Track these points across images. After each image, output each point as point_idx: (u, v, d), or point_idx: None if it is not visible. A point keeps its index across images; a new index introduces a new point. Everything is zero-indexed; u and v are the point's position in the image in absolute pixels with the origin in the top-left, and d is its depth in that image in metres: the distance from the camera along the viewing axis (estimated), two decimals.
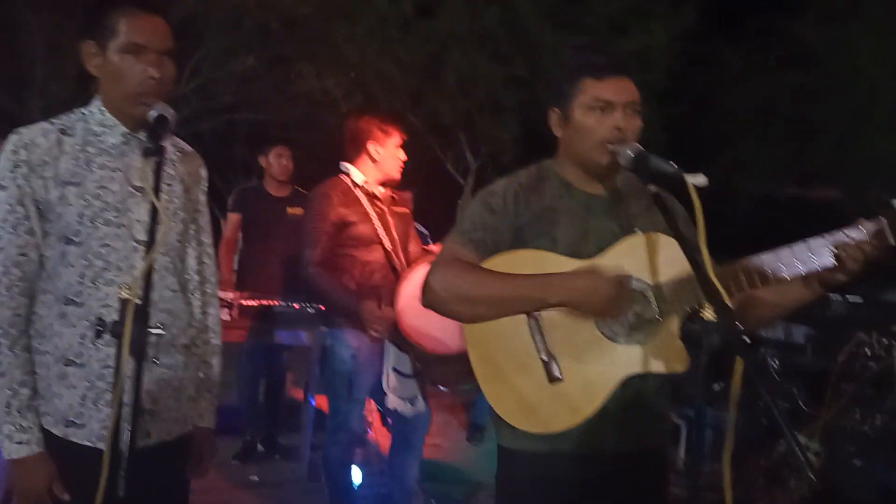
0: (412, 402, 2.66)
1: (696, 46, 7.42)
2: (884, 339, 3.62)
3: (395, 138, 2.79)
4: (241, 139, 7.61)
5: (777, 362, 3.83)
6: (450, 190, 8.62)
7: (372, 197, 2.77)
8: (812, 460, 1.21)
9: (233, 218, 4.13)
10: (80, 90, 6.39)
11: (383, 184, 2.81)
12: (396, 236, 2.78)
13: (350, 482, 2.93)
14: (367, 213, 2.71)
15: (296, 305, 3.62)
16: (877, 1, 7.83)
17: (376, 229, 2.71)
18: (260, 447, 4.07)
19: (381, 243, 2.72)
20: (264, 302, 3.69)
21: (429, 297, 1.55)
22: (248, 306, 3.65)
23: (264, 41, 7.12)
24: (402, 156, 2.81)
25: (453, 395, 4.65)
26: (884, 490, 3.18)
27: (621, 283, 1.45)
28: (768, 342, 4.08)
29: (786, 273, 1.48)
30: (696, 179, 1.42)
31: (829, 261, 1.45)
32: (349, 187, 2.75)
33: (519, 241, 1.55)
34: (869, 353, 3.64)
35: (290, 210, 4.07)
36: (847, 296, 4.05)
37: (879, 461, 3.28)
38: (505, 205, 1.57)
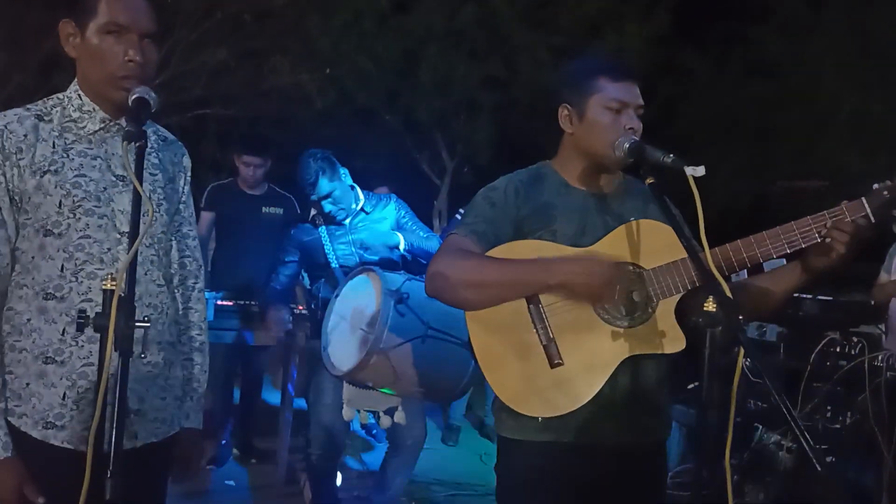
0: (389, 413, 2.63)
1: (665, 52, 7.52)
2: (854, 339, 3.71)
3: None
4: (211, 135, 7.42)
5: (749, 361, 3.87)
6: (425, 190, 8.49)
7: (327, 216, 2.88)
8: (819, 453, 1.23)
9: (206, 216, 4.00)
10: (42, 81, 6.16)
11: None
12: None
13: (330, 484, 2.87)
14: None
15: None
16: (836, 17, 8.06)
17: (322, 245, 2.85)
18: (235, 451, 3.97)
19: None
20: (239, 302, 3.60)
21: (434, 285, 1.57)
22: (222, 306, 3.55)
23: (236, 34, 6.94)
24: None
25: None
26: (855, 487, 3.24)
27: (618, 267, 1.51)
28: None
29: (774, 252, 1.52)
30: (696, 171, 1.43)
31: (816, 237, 1.49)
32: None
33: (519, 234, 1.60)
34: (840, 352, 3.72)
35: (265, 209, 3.98)
36: (818, 296, 4.13)
37: (851, 459, 3.34)
38: (506, 199, 1.62)
